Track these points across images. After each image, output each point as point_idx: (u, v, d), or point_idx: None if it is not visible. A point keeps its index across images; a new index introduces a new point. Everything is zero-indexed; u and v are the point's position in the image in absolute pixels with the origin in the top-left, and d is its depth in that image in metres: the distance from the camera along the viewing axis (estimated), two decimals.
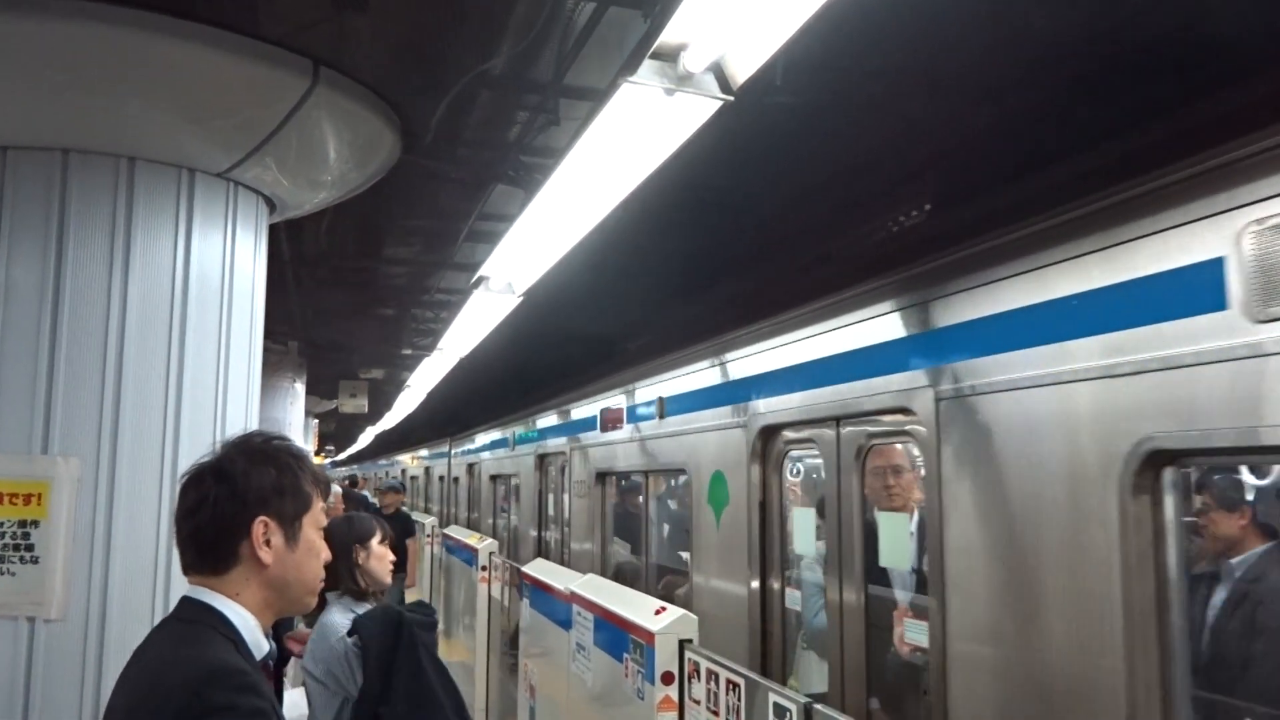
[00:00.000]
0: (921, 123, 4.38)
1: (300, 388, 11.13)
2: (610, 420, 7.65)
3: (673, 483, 7.56)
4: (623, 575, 7.79)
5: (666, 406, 6.47)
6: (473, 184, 5.53)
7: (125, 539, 3.65)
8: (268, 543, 1.95)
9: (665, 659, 4.54)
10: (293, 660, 5.12)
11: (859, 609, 4.35)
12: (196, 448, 3.84)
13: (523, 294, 6.39)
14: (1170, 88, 3.55)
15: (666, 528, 7.69)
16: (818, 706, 3.36)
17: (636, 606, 5.02)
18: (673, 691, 4.52)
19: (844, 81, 3.93)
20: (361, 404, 14.98)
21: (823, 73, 3.77)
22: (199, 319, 3.90)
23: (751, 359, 5.28)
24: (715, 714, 4.10)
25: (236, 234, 4.08)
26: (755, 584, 5.17)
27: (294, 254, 7.30)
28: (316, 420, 19.45)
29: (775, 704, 3.59)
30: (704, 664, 4.26)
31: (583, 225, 4.71)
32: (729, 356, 5.56)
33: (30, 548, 3.54)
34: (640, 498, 7.80)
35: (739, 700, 3.90)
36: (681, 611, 4.71)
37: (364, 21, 3.63)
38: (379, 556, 4.11)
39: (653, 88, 3.01)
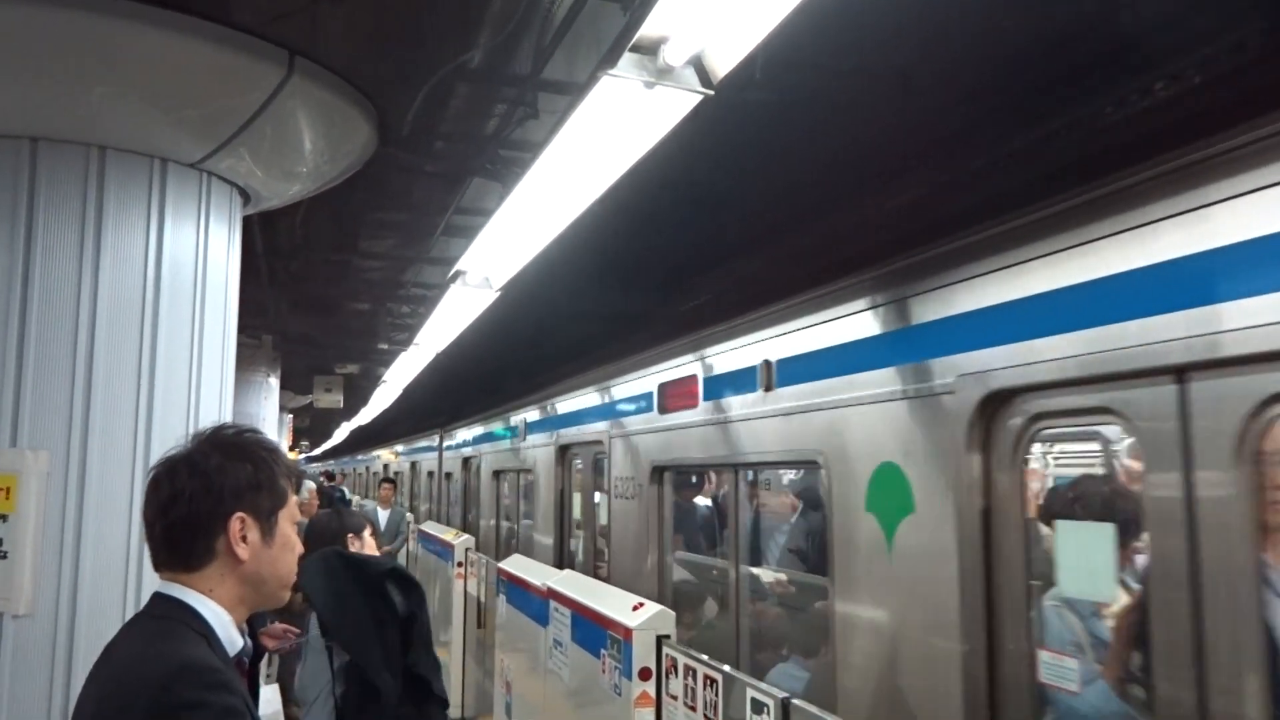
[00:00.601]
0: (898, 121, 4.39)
1: (274, 382, 11.06)
2: (675, 397, 5.92)
3: (790, 479, 5.64)
4: (693, 602, 6.11)
5: (778, 373, 4.66)
6: (450, 177, 5.50)
7: (95, 534, 3.61)
8: (244, 539, 1.93)
9: (643, 654, 4.55)
10: (267, 655, 5.09)
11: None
12: (168, 441, 3.73)
13: (500, 289, 6.36)
14: (1139, 86, 3.58)
15: (774, 544, 5.57)
16: (795, 701, 3.36)
17: (614, 602, 5.02)
18: (650, 687, 4.53)
19: (822, 79, 3.93)
20: (337, 399, 14.91)
21: (801, 70, 3.77)
22: (171, 311, 3.86)
23: (964, 287, 3.42)
24: (693, 709, 4.11)
25: (210, 225, 4.03)
26: (974, 639, 3.27)
27: (268, 247, 7.23)
28: (291, 415, 19.34)
29: (753, 699, 3.60)
30: (681, 659, 4.27)
31: (562, 219, 4.68)
32: (909, 290, 3.74)
33: None
34: (724, 500, 5.83)
35: (717, 696, 3.91)
36: (659, 607, 4.71)
37: (340, 11, 3.59)
38: (370, 548, 4.22)
39: (632, 81, 3.00)
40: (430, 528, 11.37)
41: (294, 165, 4.28)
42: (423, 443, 17.34)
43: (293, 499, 2.03)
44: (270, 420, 10.93)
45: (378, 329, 10.43)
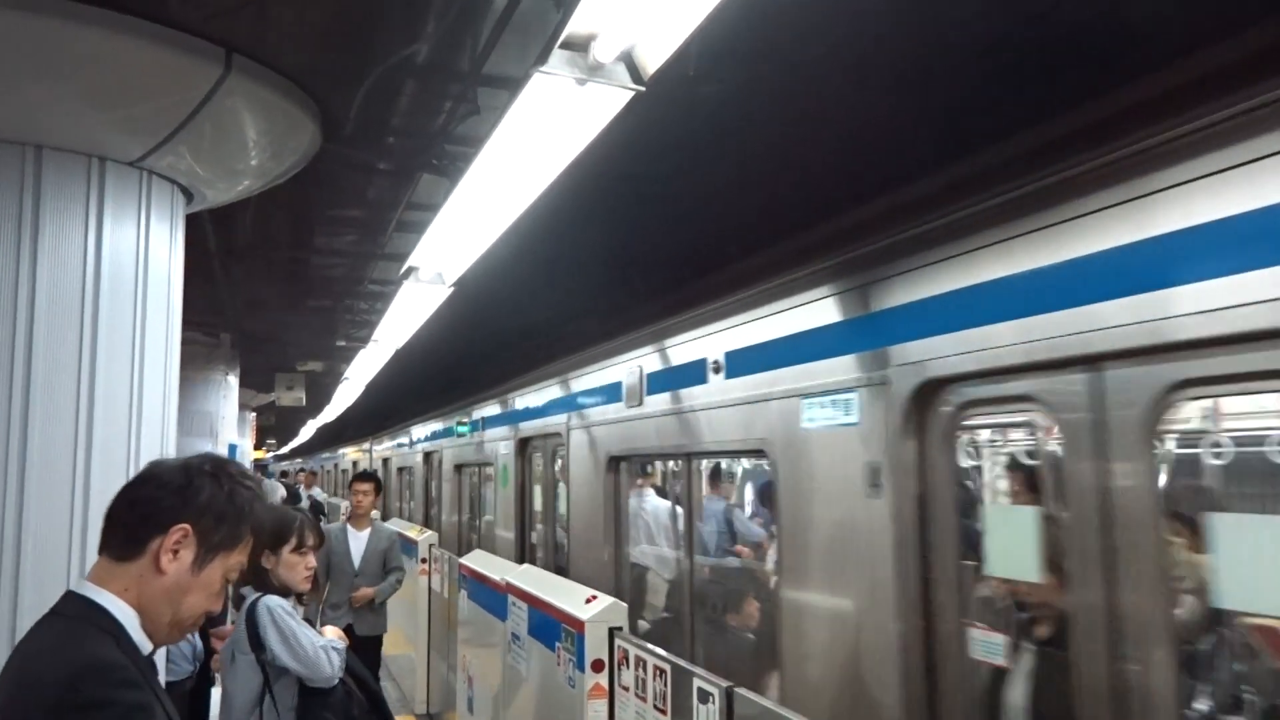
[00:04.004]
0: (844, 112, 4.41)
1: (233, 380, 10.95)
2: None
3: None
4: None
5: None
6: (399, 174, 5.49)
7: (36, 530, 3.59)
8: (175, 553, 1.95)
9: (595, 646, 4.60)
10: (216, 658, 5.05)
11: None
12: (110, 439, 3.80)
13: (453, 284, 6.37)
14: (1094, 74, 3.62)
15: None
16: (739, 690, 3.44)
17: (568, 595, 5.06)
18: (603, 679, 4.57)
19: (759, 73, 3.96)
20: (299, 396, 14.78)
21: (737, 63, 3.79)
22: (112, 309, 3.83)
23: None
24: (643, 700, 4.16)
25: (151, 223, 4.01)
26: None
27: (222, 245, 7.18)
28: (254, 414, 19.19)
29: (699, 689, 3.66)
30: (633, 651, 4.31)
31: (508, 214, 4.71)
32: None
33: None
34: None
35: (666, 686, 3.96)
36: (611, 600, 4.75)
37: (279, 9, 3.58)
38: (289, 565, 4.07)
39: (564, 78, 3.02)
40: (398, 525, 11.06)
41: (236, 162, 4.27)
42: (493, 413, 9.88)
43: (240, 554, 2.05)
44: (229, 419, 10.84)
45: (337, 326, 10.37)
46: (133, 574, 1.93)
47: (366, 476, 8.52)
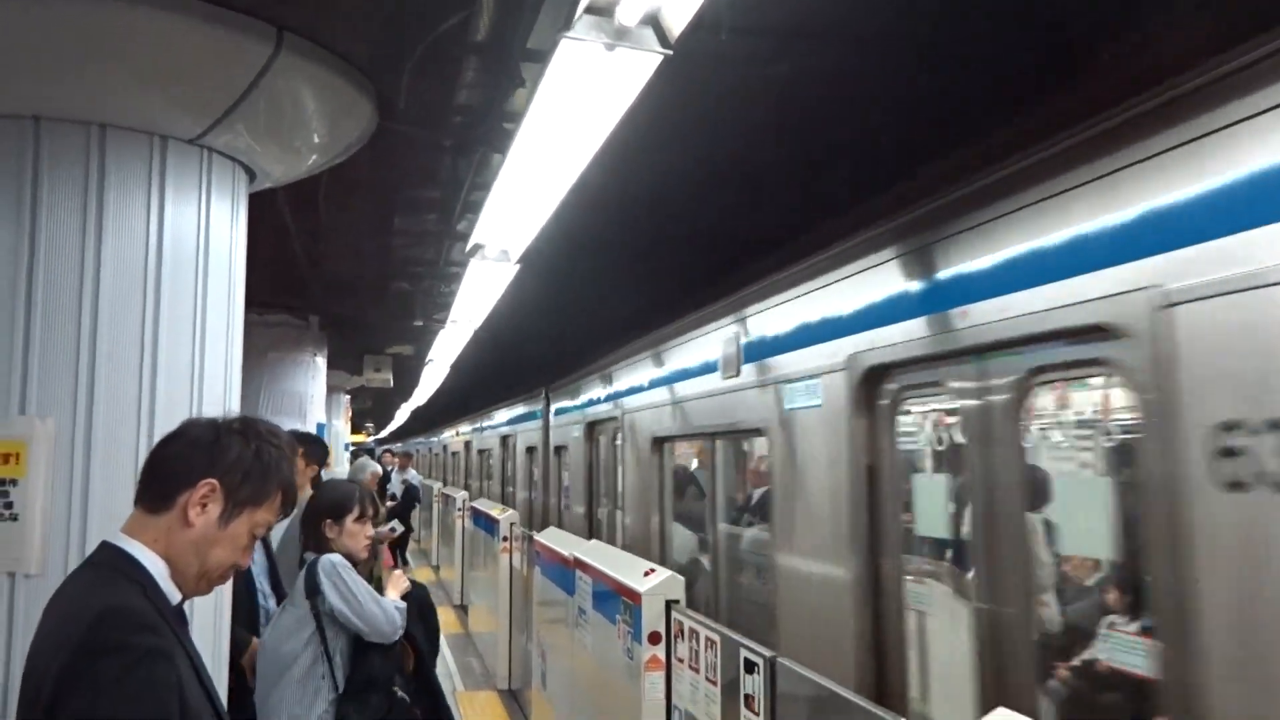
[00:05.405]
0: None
1: (321, 362, 11.21)
2: None
3: None
4: None
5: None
6: (460, 150, 5.55)
7: (101, 497, 3.73)
8: (203, 507, 2.03)
9: (652, 619, 4.63)
10: None
11: None
12: (172, 410, 3.93)
13: (519, 260, 6.43)
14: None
15: None
16: (781, 660, 3.46)
17: (628, 569, 5.09)
18: (660, 651, 4.59)
19: (789, 41, 3.89)
20: (386, 378, 15.12)
21: (767, 34, 3.73)
22: (173, 285, 3.96)
23: None
24: (696, 671, 4.18)
25: (212, 200, 4.13)
26: None
27: (302, 228, 7.36)
28: (348, 396, 19.60)
29: (745, 659, 3.68)
30: (687, 623, 4.32)
31: (560, 187, 4.73)
32: None
33: (9, 505, 3.64)
34: None
35: (716, 657, 3.98)
36: (669, 573, 4.77)
37: None
38: (351, 534, 4.27)
39: (591, 43, 3.01)
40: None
41: (294, 140, 4.36)
42: None
43: (268, 512, 2.13)
44: (318, 398, 11.12)
45: (418, 308, 10.55)
46: (162, 526, 2.02)
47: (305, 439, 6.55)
